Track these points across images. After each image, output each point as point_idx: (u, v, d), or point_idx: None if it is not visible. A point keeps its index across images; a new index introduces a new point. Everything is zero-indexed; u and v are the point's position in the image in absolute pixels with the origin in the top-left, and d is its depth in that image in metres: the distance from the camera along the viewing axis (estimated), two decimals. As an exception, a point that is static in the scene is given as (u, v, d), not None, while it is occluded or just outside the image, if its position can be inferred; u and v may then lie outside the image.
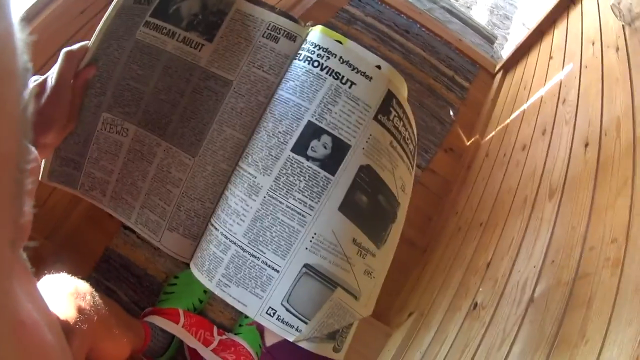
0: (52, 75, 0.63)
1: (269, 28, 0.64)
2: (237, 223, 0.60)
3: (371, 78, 0.60)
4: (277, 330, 0.59)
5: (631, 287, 0.72)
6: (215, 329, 1.31)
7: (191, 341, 1.22)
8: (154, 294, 1.40)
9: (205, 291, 1.36)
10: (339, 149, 0.58)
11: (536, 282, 0.99)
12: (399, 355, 1.35)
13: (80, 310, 0.72)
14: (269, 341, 0.67)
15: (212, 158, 0.64)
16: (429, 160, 2.05)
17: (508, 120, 1.89)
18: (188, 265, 0.67)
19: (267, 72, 0.63)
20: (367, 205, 0.60)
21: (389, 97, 0.61)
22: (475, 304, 1.16)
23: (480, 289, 1.20)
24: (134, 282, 1.41)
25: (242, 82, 0.63)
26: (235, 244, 0.60)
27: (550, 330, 0.84)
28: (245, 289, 0.60)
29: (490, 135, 2.02)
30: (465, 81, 2.41)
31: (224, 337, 1.30)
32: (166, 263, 1.43)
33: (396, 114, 0.62)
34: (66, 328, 0.67)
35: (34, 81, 0.63)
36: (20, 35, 0.21)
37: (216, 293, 0.61)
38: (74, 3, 1.03)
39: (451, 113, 2.28)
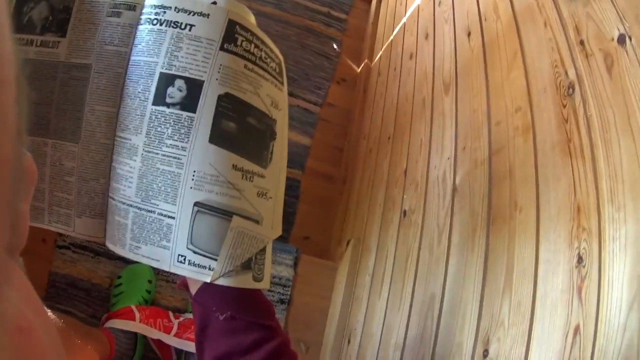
0: None
1: (110, 7, 0.66)
2: (127, 186, 0.63)
3: (208, 15, 0.64)
4: (193, 275, 0.60)
5: (548, 146, 0.75)
6: (170, 314, 1.32)
7: (152, 333, 1.22)
8: (106, 300, 1.41)
9: (150, 280, 1.37)
10: (194, 87, 0.62)
11: (454, 171, 1.01)
12: (350, 283, 1.37)
13: None
14: (193, 290, 0.65)
15: (93, 137, 0.66)
16: (324, 95, 2.05)
17: (391, 37, 1.91)
18: (126, 262, 0.67)
19: (118, 46, 0.66)
20: (237, 130, 0.63)
21: (231, 26, 0.64)
22: (405, 212, 1.19)
23: (405, 196, 1.22)
24: (83, 297, 1.41)
25: (99, 62, 0.66)
26: (131, 206, 0.63)
27: (481, 210, 0.86)
28: (153, 245, 0.62)
29: (379, 55, 2.03)
30: (343, 13, 2.41)
31: (181, 319, 1.31)
32: (107, 267, 1.42)
33: (244, 39, 0.65)
34: None
35: None
36: (12, 44, 0.21)
37: (132, 257, 0.63)
38: None
39: (335, 46, 2.28)
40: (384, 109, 1.69)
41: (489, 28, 1.07)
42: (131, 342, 1.24)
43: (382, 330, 1.11)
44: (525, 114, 0.83)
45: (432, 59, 1.38)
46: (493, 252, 0.79)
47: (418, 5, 1.68)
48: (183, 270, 0.60)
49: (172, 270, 0.61)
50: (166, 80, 0.62)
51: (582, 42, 0.73)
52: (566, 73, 0.74)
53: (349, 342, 1.27)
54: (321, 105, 2.01)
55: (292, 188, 1.74)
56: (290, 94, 2.02)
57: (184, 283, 0.67)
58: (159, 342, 1.25)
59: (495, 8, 1.07)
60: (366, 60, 2.12)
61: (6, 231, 0.22)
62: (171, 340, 1.22)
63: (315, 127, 1.98)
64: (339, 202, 1.72)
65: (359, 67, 2.19)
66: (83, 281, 1.41)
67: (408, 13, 1.78)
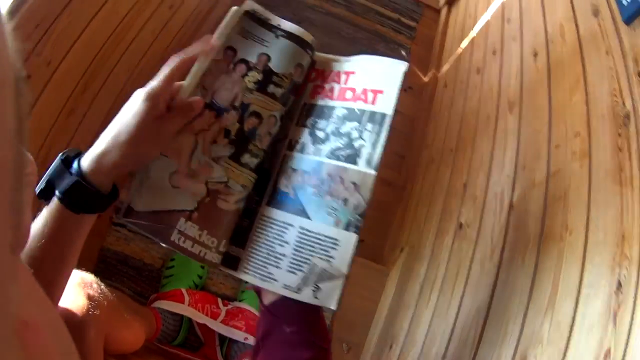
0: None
1: None
2: None
3: None
4: (278, 291, 0.69)
5: (601, 173, 0.77)
6: (219, 300, 1.35)
7: (199, 317, 1.25)
8: (155, 281, 1.42)
9: (203, 267, 1.39)
10: None
11: (512, 189, 1.04)
12: (400, 290, 1.41)
13: (89, 298, 0.75)
14: (267, 300, 0.72)
15: None
16: (391, 103, 2.08)
17: (460, 50, 1.93)
18: None
19: None
20: None
21: None
22: (461, 224, 1.22)
23: (462, 209, 1.26)
24: (133, 275, 1.43)
25: None
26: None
27: (534, 229, 0.89)
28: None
29: (446, 66, 2.06)
30: (412, 21, 2.43)
31: (229, 306, 1.34)
32: (160, 249, 1.43)
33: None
34: (80, 318, 0.71)
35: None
36: (12, 45, 0.21)
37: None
38: (27, 20, 1.01)
39: (404, 53, 2.31)
40: (448, 121, 1.71)
41: (555, 50, 1.09)
42: (177, 324, 1.28)
43: (425, 339, 1.15)
44: (583, 139, 0.85)
45: (499, 75, 1.40)
46: (541, 271, 0.82)
47: (487, 21, 1.70)
48: (254, 280, 0.71)
49: (241, 277, 0.72)
50: None
51: (640, 74, 0.75)
52: (623, 103, 0.76)
53: (390, 347, 1.31)
54: (387, 112, 2.05)
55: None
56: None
57: (257, 288, 0.75)
58: (204, 327, 1.28)
59: (561, 31, 1.08)
60: (433, 70, 2.15)
61: (8, 230, 0.22)
62: (217, 326, 1.25)
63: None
64: (397, 209, 1.76)
65: (426, 76, 2.22)
66: (135, 260, 1.43)
67: (477, 27, 1.80)
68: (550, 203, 0.89)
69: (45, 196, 0.62)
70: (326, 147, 0.75)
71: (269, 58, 0.77)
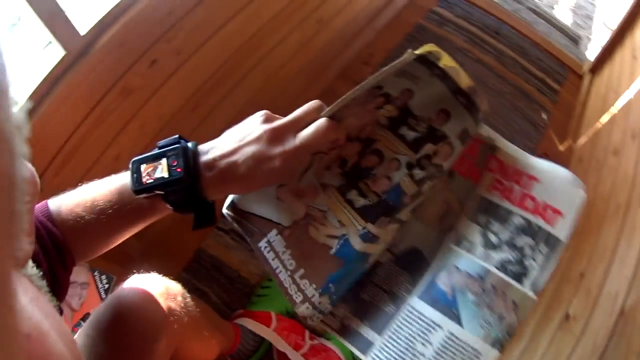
0: (293, 129, 0.61)
1: None
2: None
3: None
4: None
5: None
6: (307, 333, 1.32)
7: (282, 345, 1.23)
8: (246, 295, 1.40)
9: None
10: None
11: (627, 292, 0.99)
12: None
13: (170, 311, 0.76)
14: None
15: None
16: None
17: (599, 125, 1.84)
18: None
19: None
20: None
21: None
22: (567, 315, 1.17)
23: (574, 300, 1.20)
24: (225, 284, 1.41)
25: None
26: None
27: (638, 344, 0.84)
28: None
29: (583, 139, 1.96)
30: (556, 83, 2.34)
31: (315, 341, 1.31)
32: (260, 266, 1.31)
33: None
34: (154, 330, 0.72)
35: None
36: (3, 57, 0.21)
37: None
38: (158, 5, 1.05)
39: (544, 116, 2.23)
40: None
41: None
42: (256, 345, 1.25)
43: None
44: None
45: (636, 163, 1.32)
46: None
47: (630, 100, 1.60)
48: None
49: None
50: None
51: None
52: None
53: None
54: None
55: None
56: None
57: None
58: (283, 356, 1.24)
59: None
60: (570, 141, 2.06)
61: (10, 242, 0.22)
62: (297, 358, 1.21)
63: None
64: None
65: (561, 145, 2.13)
66: (231, 269, 1.40)
67: (618, 104, 1.70)
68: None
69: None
70: (497, 256, 0.71)
71: (411, 95, 0.70)
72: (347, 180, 0.71)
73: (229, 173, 0.58)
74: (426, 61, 0.67)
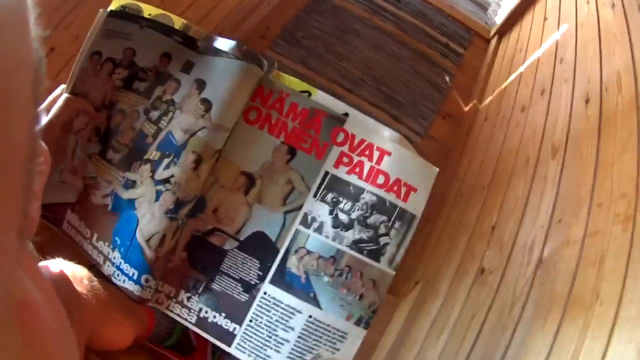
0: (44, 112, 0.70)
1: None
2: None
3: None
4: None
5: (644, 241, 0.70)
6: None
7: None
8: None
9: None
10: None
11: (544, 242, 0.97)
12: (408, 324, 1.35)
13: (77, 296, 0.73)
14: None
15: None
16: (427, 127, 2.03)
17: (506, 84, 1.86)
18: None
19: None
20: None
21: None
22: (483, 269, 1.15)
23: (487, 253, 1.19)
24: None
25: None
26: None
27: (561, 291, 0.82)
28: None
29: (489, 99, 1.99)
30: (460, 47, 2.38)
31: None
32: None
33: None
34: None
35: None
36: (34, 30, 0.21)
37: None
38: None
39: (447, 79, 2.25)
40: (484, 156, 1.65)
41: (609, 100, 1.02)
42: (170, 326, 1.25)
43: (429, 381, 1.08)
44: (630, 202, 0.78)
45: (545, 117, 1.33)
46: (562, 338, 0.75)
47: (538, 58, 1.63)
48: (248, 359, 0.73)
49: (234, 354, 0.74)
50: None
51: None
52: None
53: (392, 382, 1.25)
54: (422, 137, 1.99)
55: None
56: (394, 118, 2.01)
57: None
58: (197, 334, 1.27)
59: (618, 80, 1.01)
60: (475, 101, 2.08)
61: (18, 214, 0.22)
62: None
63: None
64: (417, 239, 1.70)
65: (466, 106, 2.16)
66: None
67: (526, 63, 1.73)
68: (584, 266, 0.81)
69: None
70: (349, 236, 0.71)
71: (134, 52, 0.77)
72: (103, 144, 0.77)
73: None
74: (128, 16, 0.74)
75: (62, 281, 0.73)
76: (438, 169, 0.75)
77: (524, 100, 1.56)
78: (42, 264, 0.75)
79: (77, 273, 0.77)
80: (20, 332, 0.29)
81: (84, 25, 1.09)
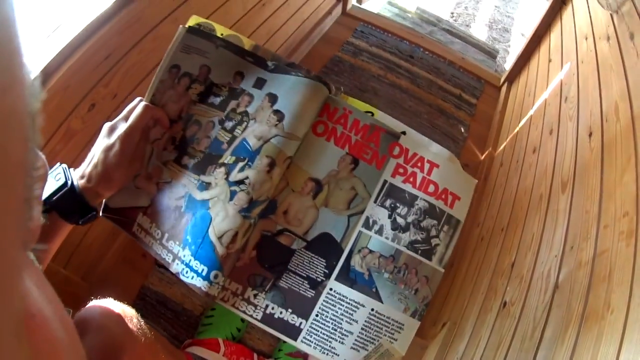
0: (123, 120, 0.78)
1: None
2: None
3: None
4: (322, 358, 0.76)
5: (646, 252, 0.74)
6: (255, 356, 1.34)
7: None
8: (192, 327, 1.43)
9: (243, 320, 1.38)
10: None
11: (559, 269, 1.00)
12: (438, 365, 1.35)
13: (128, 330, 0.77)
14: None
15: None
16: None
17: (517, 128, 1.93)
18: None
19: None
20: None
21: None
22: (505, 303, 1.18)
23: (508, 288, 1.21)
24: (171, 317, 1.44)
25: None
26: None
27: (577, 309, 0.85)
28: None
29: (503, 145, 2.05)
30: (473, 97, 2.45)
31: None
32: (202, 297, 1.45)
33: None
34: (117, 344, 0.73)
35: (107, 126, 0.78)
36: (24, 48, 0.22)
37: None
38: (98, 50, 1.08)
39: (462, 130, 2.31)
40: (501, 200, 1.69)
41: (609, 129, 1.08)
42: None
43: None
44: (631, 219, 0.83)
45: (554, 155, 1.38)
46: (580, 349, 0.78)
47: (545, 99, 1.70)
48: (313, 351, 0.77)
49: (300, 347, 0.77)
50: None
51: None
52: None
53: None
54: (441, 187, 2.04)
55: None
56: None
57: (304, 356, 0.79)
58: None
59: (616, 109, 1.07)
60: (490, 149, 2.14)
61: (22, 228, 0.23)
62: None
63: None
64: (443, 284, 1.72)
65: (482, 154, 2.21)
66: (175, 303, 1.45)
67: (535, 106, 1.80)
68: (595, 283, 0.85)
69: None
70: (406, 237, 0.80)
71: (209, 69, 0.83)
72: (180, 152, 0.83)
73: (94, 173, 0.75)
74: (203, 34, 0.81)
75: (115, 317, 0.78)
76: (477, 180, 0.84)
77: (535, 142, 1.61)
78: (93, 302, 0.80)
79: (127, 312, 0.82)
80: (28, 343, 0.30)
81: (123, 83, 1.18)
